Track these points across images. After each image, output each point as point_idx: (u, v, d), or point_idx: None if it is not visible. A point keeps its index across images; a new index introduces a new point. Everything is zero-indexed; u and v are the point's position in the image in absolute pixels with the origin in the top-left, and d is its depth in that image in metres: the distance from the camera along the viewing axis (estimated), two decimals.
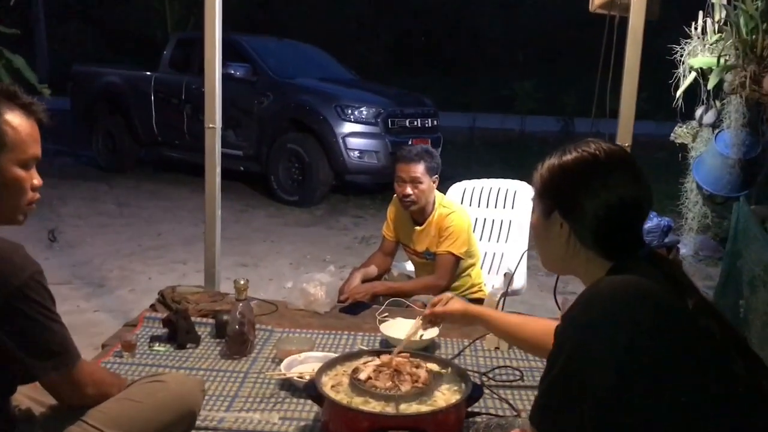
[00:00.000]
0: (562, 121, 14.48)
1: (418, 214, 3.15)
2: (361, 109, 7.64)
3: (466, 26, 21.55)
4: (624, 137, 2.75)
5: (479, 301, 3.21)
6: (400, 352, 1.94)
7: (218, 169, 2.96)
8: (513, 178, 3.79)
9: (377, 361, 1.92)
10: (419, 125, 8.10)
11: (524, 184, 3.65)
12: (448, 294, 2.09)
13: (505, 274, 3.47)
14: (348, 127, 7.53)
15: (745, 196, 3.66)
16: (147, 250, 5.73)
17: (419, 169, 3.03)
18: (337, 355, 2.18)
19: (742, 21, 3.23)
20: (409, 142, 7.70)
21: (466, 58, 20.35)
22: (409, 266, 3.57)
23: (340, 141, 7.48)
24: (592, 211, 1.33)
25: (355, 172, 7.85)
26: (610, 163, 1.35)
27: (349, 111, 7.59)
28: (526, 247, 3.57)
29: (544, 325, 1.80)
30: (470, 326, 2.28)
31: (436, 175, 3.10)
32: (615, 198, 1.32)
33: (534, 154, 12.45)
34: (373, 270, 3.24)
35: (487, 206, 3.70)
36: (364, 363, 1.94)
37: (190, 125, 8.44)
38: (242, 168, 8.23)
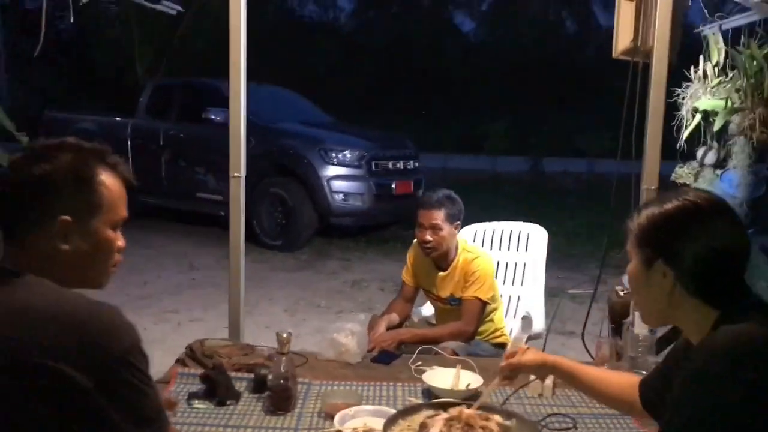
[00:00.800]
0: (531, 161, 14.75)
1: (440, 259, 3.13)
2: (345, 152, 7.68)
3: (435, 68, 21.89)
4: (650, 180, 2.79)
5: (502, 346, 3.19)
6: (478, 407, 1.90)
7: (242, 219, 2.91)
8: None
9: (445, 415, 1.87)
10: (402, 167, 8.17)
11: (537, 226, 3.66)
12: (524, 345, 2.06)
13: (523, 318, 3.46)
14: (332, 170, 7.56)
15: (752, 233, 3.73)
16: (135, 300, 5.59)
17: (440, 215, 3.02)
18: (386, 407, 2.13)
19: (746, 64, 3.33)
20: (392, 185, 7.77)
21: (436, 99, 20.61)
22: (425, 311, 3.54)
23: (325, 184, 7.49)
24: (696, 259, 1.33)
25: (340, 214, 7.84)
26: (712, 211, 1.36)
27: (333, 154, 7.62)
28: (542, 291, 3.58)
29: (628, 379, 1.78)
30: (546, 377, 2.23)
31: (458, 221, 3.09)
32: (719, 245, 1.33)
33: (507, 194, 12.67)
34: (395, 317, 3.19)
35: (500, 249, 3.69)
36: (430, 417, 1.89)
37: (168, 171, 8.36)
38: (222, 213, 8.13)
